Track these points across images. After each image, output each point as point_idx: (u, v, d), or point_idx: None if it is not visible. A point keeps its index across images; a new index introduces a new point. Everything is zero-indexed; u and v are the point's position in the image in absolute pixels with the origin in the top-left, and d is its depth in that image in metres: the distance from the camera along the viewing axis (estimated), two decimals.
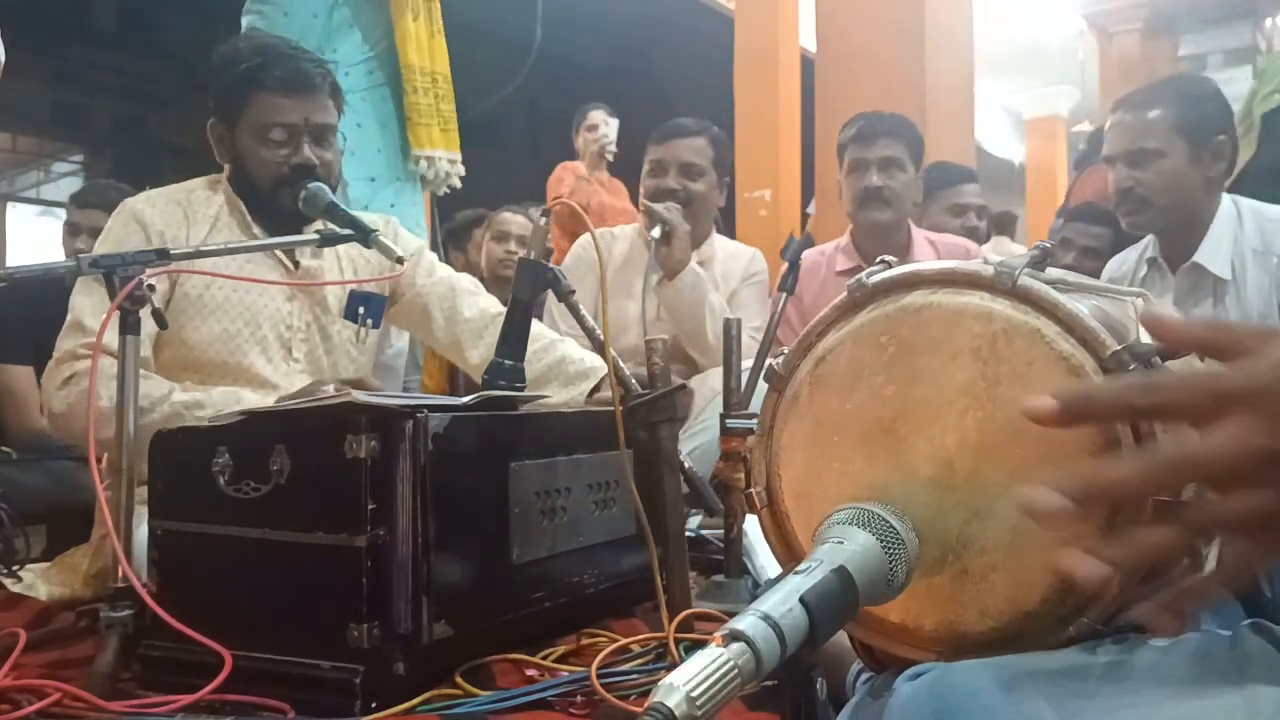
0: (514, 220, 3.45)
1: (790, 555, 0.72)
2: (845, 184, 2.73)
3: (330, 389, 1.57)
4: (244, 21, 2.54)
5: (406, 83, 2.65)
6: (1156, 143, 2.11)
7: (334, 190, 1.74)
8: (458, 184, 2.83)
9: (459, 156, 2.78)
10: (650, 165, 2.61)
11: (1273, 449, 0.48)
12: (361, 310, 1.85)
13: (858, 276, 0.70)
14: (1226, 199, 2.15)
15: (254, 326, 1.73)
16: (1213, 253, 2.11)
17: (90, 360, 1.46)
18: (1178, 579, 0.66)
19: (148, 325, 1.31)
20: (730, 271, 2.64)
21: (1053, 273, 0.68)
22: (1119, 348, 0.61)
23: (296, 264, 1.80)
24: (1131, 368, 0.61)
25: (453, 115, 2.77)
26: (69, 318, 1.64)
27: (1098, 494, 0.51)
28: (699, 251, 2.62)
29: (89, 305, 1.62)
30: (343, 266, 1.85)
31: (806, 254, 2.79)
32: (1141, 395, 0.53)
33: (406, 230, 2.01)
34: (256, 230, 1.77)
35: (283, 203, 1.72)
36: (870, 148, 2.65)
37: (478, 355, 1.86)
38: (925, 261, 0.71)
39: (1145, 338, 0.65)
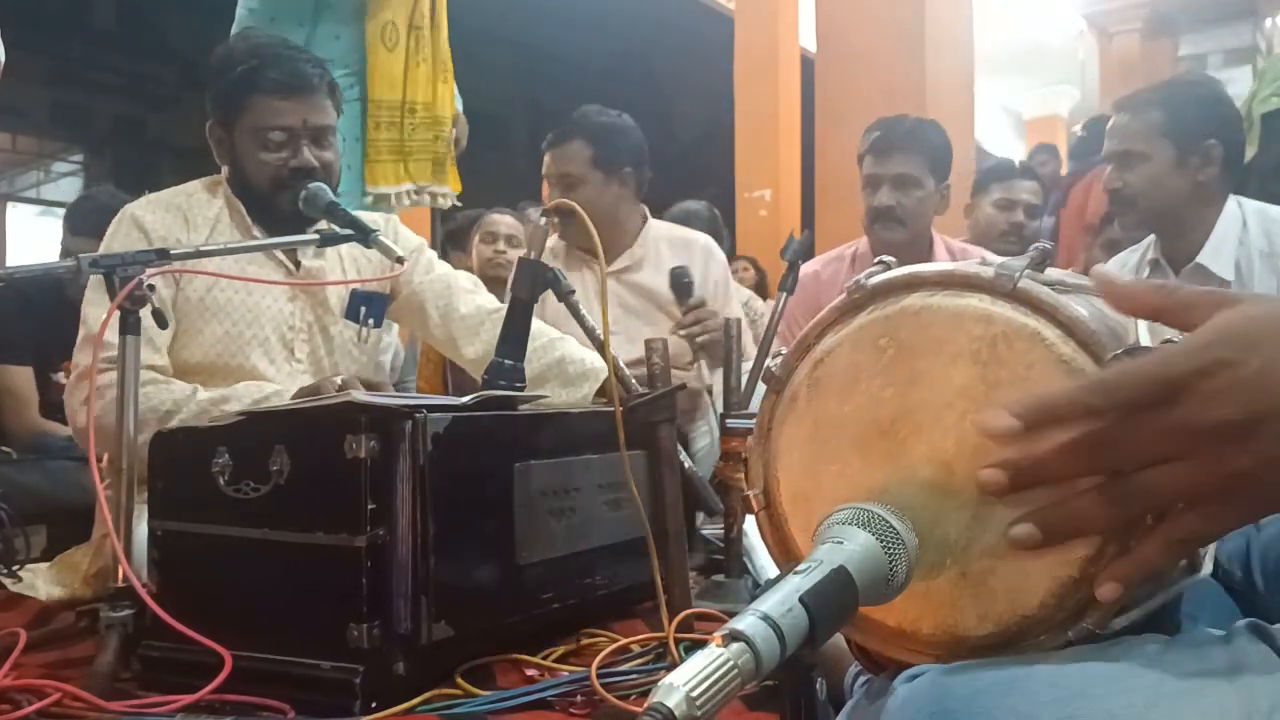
0: (501, 220, 3.45)
1: (787, 557, 0.72)
2: (862, 196, 2.63)
3: (338, 381, 1.57)
4: (238, 14, 2.53)
5: (370, 117, 2.59)
6: (1142, 146, 2.14)
7: (334, 190, 1.73)
8: (444, 204, 2.78)
9: (433, 186, 2.71)
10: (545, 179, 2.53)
11: (1203, 426, 0.51)
12: (363, 310, 1.84)
13: (856, 278, 0.70)
14: (1231, 200, 2.16)
15: (256, 328, 1.73)
16: (1215, 254, 2.12)
17: (110, 373, 1.45)
18: (1174, 579, 0.66)
19: (162, 331, 1.30)
20: (718, 289, 2.53)
21: (1052, 274, 0.68)
22: (1120, 351, 0.61)
23: (298, 264, 1.80)
24: None
25: (431, 143, 2.69)
26: (82, 331, 1.64)
27: (1046, 414, 0.55)
28: (629, 254, 2.49)
29: (101, 316, 1.62)
30: (344, 267, 1.85)
31: (821, 263, 2.73)
32: (1097, 397, 0.55)
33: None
34: (256, 232, 1.77)
35: (282, 205, 1.72)
36: (885, 163, 2.51)
37: (473, 351, 1.86)
38: (926, 264, 0.70)
39: (1145, 340, 0.65)
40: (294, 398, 1.54)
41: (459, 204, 2.83)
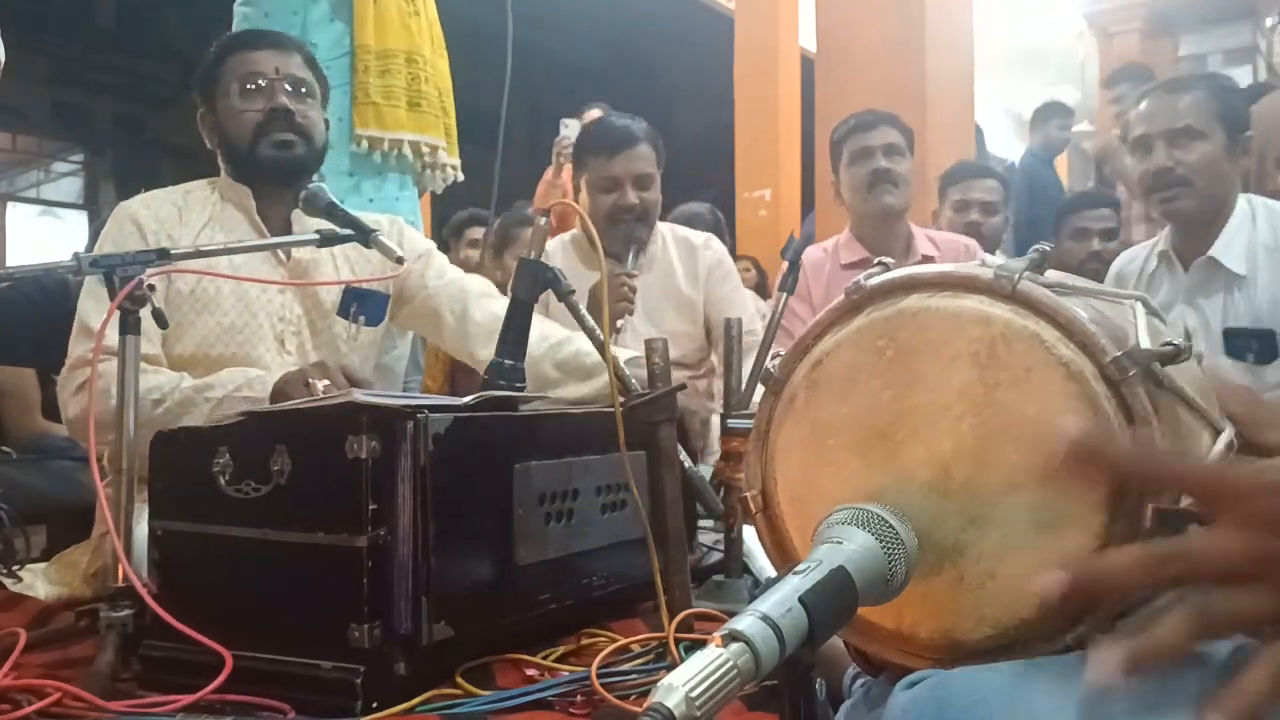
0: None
1: (785, 559, 0.72)
2: (848, 175, 2.73)
3: (317, 379, 1.55)
4: (235, 15, 2.52)
5: (358, 61, 2.50)
6: (1200, 124, 2.08)
7: (323, 151, 1.80)
8: (447, 178, 2.70)
9: (437, 141, 2.61)
10: (600, 181, 2.51)
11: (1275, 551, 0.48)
12: (354, 307, 1.83)
13: (855, 279, 0.70)
14: (1241, 196, 2.17)
15: (249, 317, 1.73)
16: (1227, 248, 2.12)
17: (104, 365, 1.46)
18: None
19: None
20: (714, 275, 2.59)
21: (1052, 275, 0.68)
22: (1119, 354, 0.61)
23: (288, 254, 1.80)
24: (1131, 374, 0.61)
25: (438, 99, 2.62)
26: (77, 323, 1.65)
27: (1097, 581, 0.53)
28: (644, 253, 2.58)
29: (96, 310, 1.63)
30: (338, 264, 1.85)
31: (809, 251, 2.78)
32: (1156, 478, 0.55)
33: (412, 230, 2.00)
34: (252, 209, 1.78)
35: (264, 155, 1.74)
36: (872, 135, 2.71)
37: (487, 354, 1.84)
38: (924, 265, 0.70)
39: (1145, 342, 0.65)
40: (276, 385, 1.55)
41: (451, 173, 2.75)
